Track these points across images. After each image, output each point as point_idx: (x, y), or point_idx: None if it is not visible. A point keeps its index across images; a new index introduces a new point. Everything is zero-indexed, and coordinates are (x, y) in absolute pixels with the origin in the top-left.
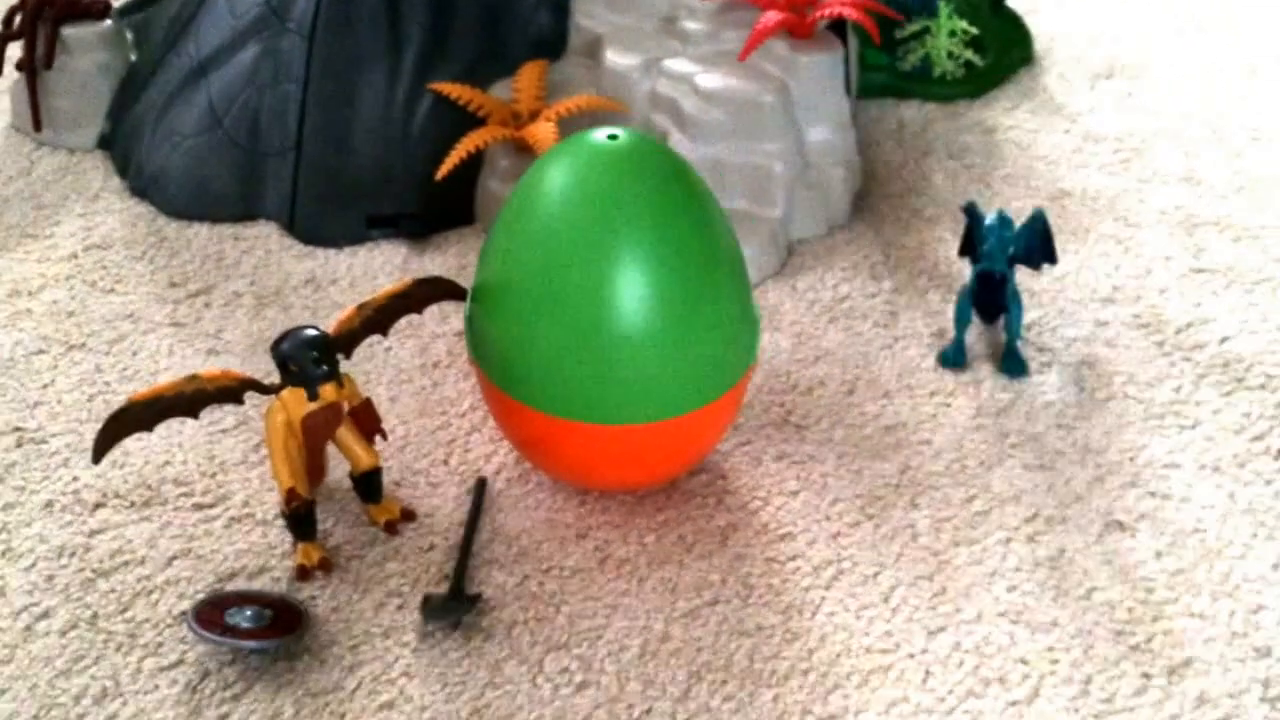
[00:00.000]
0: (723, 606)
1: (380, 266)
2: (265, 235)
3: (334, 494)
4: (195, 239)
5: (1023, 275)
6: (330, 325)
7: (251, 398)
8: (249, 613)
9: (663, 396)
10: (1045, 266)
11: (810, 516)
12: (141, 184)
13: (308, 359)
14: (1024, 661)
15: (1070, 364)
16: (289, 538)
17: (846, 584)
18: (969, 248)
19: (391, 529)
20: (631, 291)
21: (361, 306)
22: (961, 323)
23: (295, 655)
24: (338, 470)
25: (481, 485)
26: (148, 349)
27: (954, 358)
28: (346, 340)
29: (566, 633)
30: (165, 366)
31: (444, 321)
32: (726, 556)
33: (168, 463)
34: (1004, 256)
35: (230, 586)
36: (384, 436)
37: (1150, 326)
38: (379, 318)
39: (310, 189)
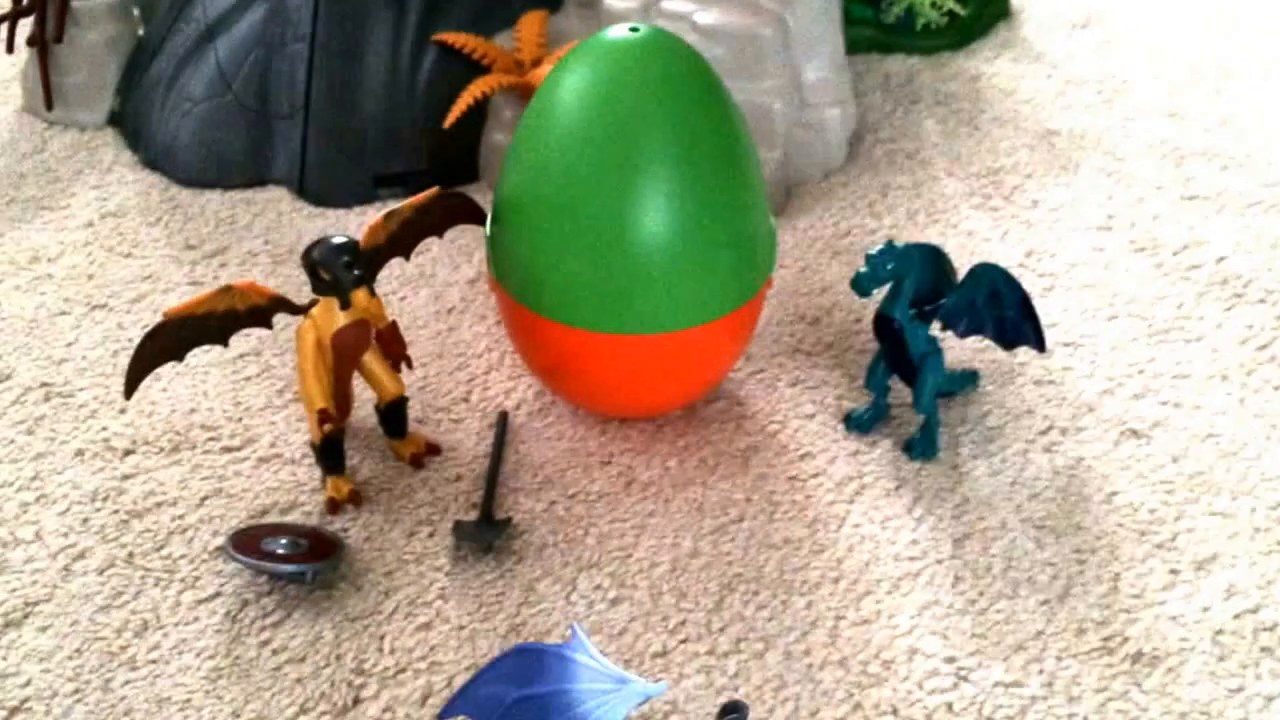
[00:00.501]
0: (749, 523)
1: None
2: (276, 199)
3: (359, 433)
4: (208, 205)
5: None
6: (359, 236)
7: (276, 342)
8: (284, 541)
9: (688, 305)
10: (1026, 349)
11: (828, 437)
12: (153, 155)
13: (340, 263)
14: (1051, 564)
15: (1072, 287)
16: (318, 474)
17: (869, 498)
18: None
19: (417, 462)
20: (653, 197)
21: (388, 216)
22: (873, 384)
23: (331, 583)
24: (362, 409)
25: (504, 418)
26: (168, 305)
27: (859, 420)
28: (374, 253)
29: (597, 552)
30: None
31: (455, 270)
32: (749, 477)
33: (194, 410)
34: (898, 297)
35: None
36: (409, 364)
37: (1147, 250)
38: (402, 234)
39: (319, 150)
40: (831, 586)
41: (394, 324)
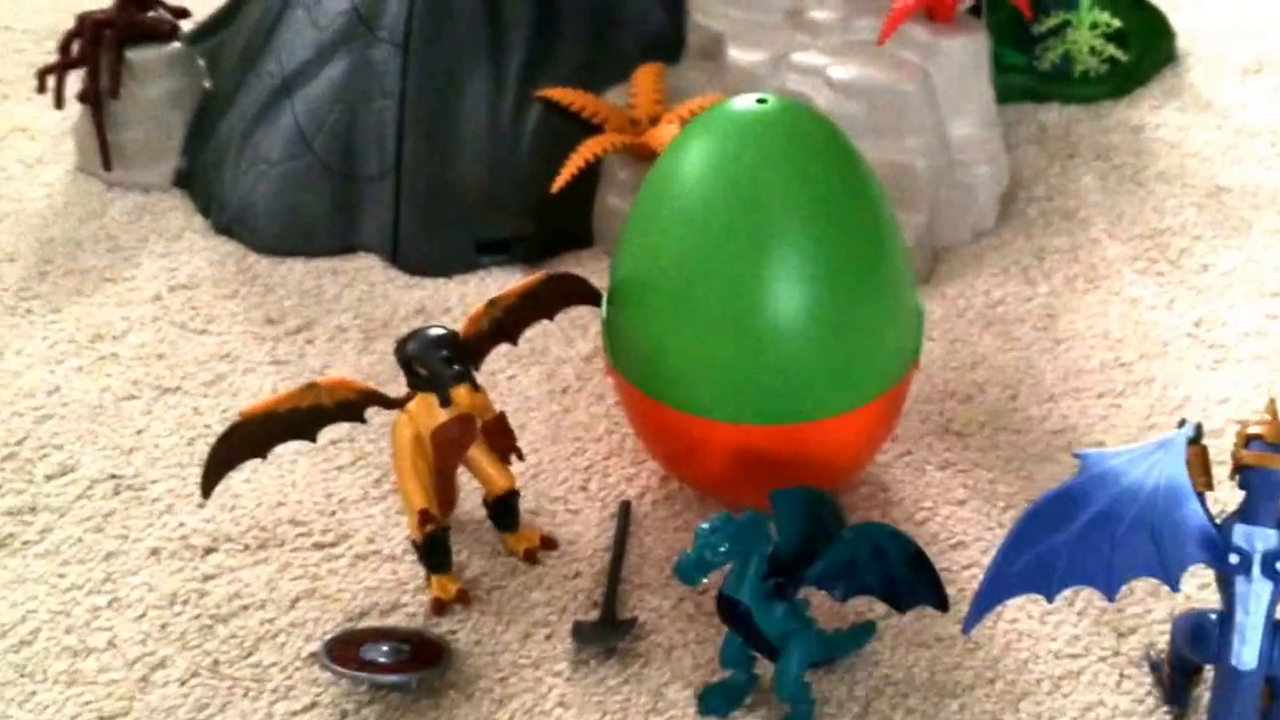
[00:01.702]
0: (896, 619)
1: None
2: (367, 267)
3: (466, 525)
4: (290, 275)
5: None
6: (459, 326)
7: (371, 427)
8: (385, 648)
9: (821, 394)
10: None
11: (981, 524)
12: (226, 220)
13: (437, 358)
14: None
15: (1244, 359)
16: (421, 572)
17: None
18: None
19: (532, 557)
20: (786, 279)
21: (491, 304)
22: (728, 660)
23: (439, 691)
24: (469, 500)
25: (626, 508)
26: (249, 388)
27: (713, 703)
28: (474, 344)
29: None
30: None
31: (569, 346)
32: None
33: (281, 503)
34: (743, 577)
35: (362, 625)
36: (519, 456)
37: None
38: (507, 320)
39: (413, 214)
40: (987, 688)
41: (501, 416)
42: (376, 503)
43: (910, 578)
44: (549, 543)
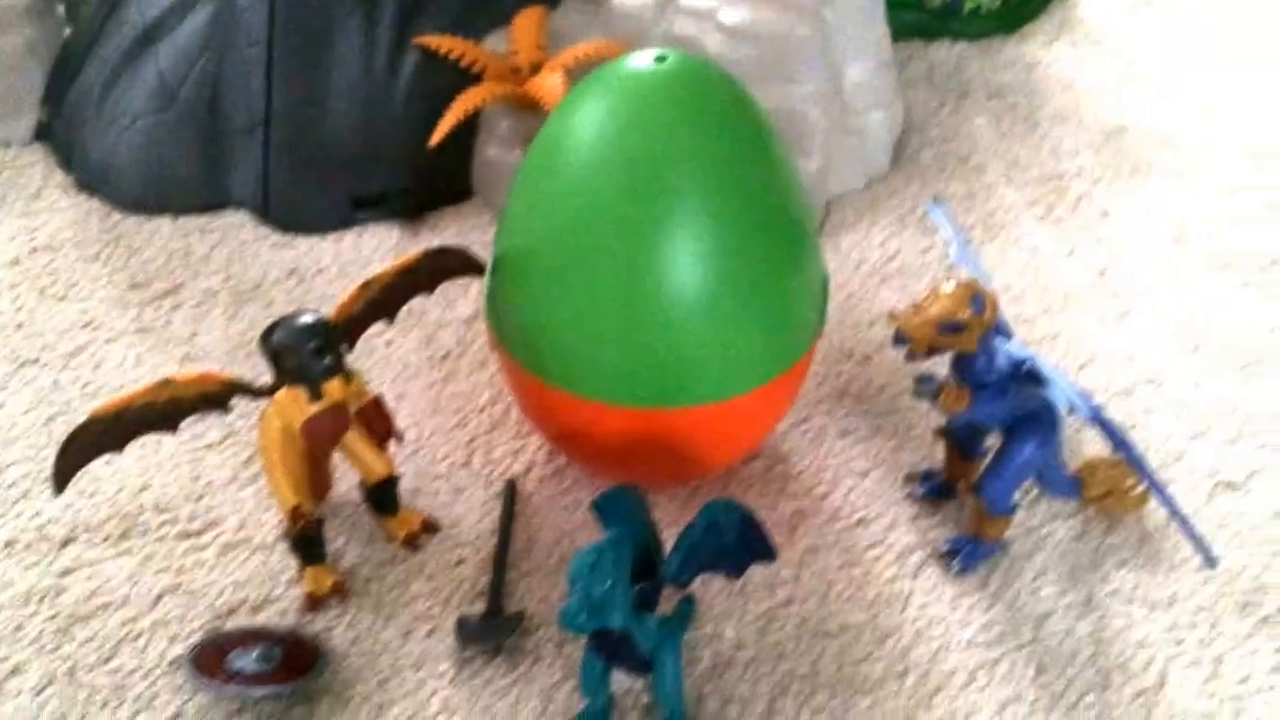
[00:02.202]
0: (798, 606)
1: (371, 252)
2: (237, 225)
3: (341, 509)
4: (156, 234)
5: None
6: (330, 310)
7: (241, 405)
8: (255, 653)
9: (720, 375)
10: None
11: (885, 498)
12: (89, 176)
13: (307, 350)
14: (1145, 646)
15: (1145, 311)
16: (294, 563)
17: (935, 571)
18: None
19: (412, 543)
20: (685, 252)
21: (366, 285)
22: (590, 686)
23: (314, 698)
24: (344, 481)
25: (511, 488)
26: (112, 360)
27: None
28: (349, 327)
29: None
30: (134, 379)
31: (450, 308)
32: (797, 550)
33: (145, 487)
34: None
35: (230, 624)
36: (399, 439)
37: (1231, 266)
38: (385, 298)
39: (284, 169)
40: (897, 683)
41: (378, 400)
42: (247, 485)
43: (738, 544)
44: (431, 526)
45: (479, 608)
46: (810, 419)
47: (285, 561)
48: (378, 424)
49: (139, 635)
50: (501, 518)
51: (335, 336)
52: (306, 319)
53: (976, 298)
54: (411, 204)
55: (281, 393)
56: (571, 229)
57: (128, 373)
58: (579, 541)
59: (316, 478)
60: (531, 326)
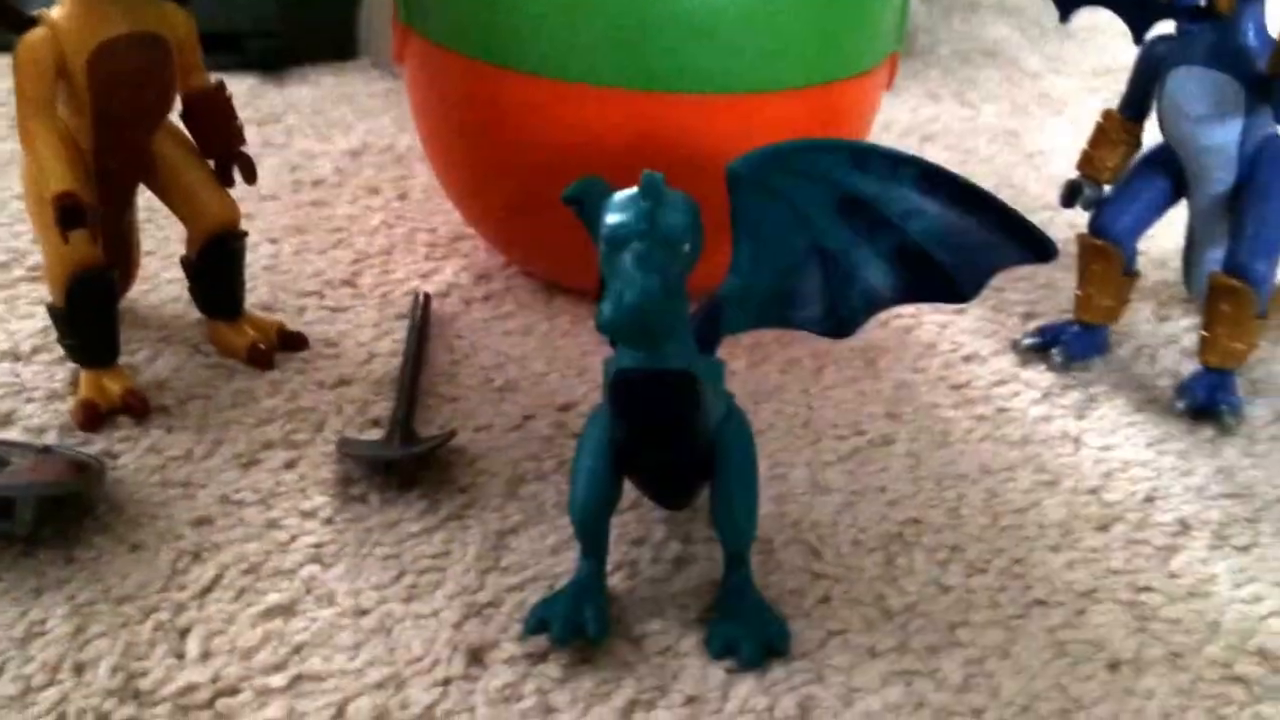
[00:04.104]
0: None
1: None
2: None
3: (150, 319)
4: None
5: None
6: None
7: None
8: None
9: (757, 55)
10: None
11: (987, 328)
12: None
13: None
14: None
15: None
16: (61, 373)
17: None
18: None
19: (261, 359)
20: None
21: None
22: (583, 519)
23: (83, 538)
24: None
25: (424, 299)
26: None
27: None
28: None
29: None
30: None
31: (326, 140)
32: (884, 383)
33: None
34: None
35: None
36: (250, 176)
37: None
38: None
39: None
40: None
41: (220, 86)
42: None
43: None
44: (292, 339)
45: (371, 436)
46: None
47: (49, 370)
48: (222, 131)
49: None
50: (409, 331)
51: None
52: None
53: None
54: (274, 50)
55: (59, 8)
56: None
57: None
58: (531, 369)
59: (115, 225)
60: None
